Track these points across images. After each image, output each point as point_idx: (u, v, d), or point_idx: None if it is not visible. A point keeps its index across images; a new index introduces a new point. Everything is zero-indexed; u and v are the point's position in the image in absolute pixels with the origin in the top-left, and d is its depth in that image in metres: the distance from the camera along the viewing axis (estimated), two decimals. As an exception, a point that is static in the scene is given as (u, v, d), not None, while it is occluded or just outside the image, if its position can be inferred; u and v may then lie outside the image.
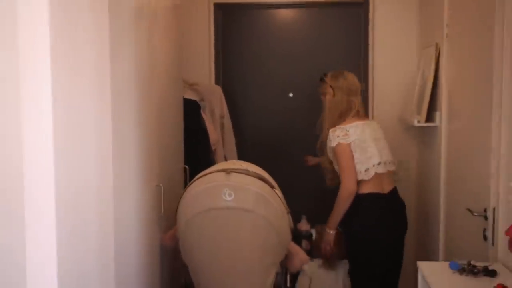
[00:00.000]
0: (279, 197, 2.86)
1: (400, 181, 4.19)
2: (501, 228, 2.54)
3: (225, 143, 4.13)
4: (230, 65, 4.57)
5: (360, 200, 3.34)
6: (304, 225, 3.45)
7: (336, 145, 3.34)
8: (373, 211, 3.39)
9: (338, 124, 3.39)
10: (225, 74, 4.52)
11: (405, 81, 4.09)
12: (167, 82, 3.20)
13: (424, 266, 2.52)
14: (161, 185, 2.89)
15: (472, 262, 2.42)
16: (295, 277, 3.36)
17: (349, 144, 3.33)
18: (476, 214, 2.68)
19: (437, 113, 3.51)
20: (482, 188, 2.71)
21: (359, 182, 3.34)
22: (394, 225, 3.46)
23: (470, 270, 2.38)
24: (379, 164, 3.37)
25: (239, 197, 2.73)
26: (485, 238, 2.66)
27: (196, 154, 3.63)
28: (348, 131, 3.34)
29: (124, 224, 2.43)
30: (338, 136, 3.34)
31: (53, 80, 1.57)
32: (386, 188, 3.45)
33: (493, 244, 2.60)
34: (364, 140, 3.36)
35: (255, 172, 2.86)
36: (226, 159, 4.09)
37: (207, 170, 2.89)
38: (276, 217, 2.81)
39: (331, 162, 3.50)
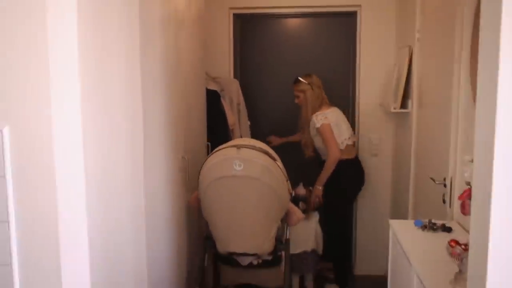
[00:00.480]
0: (280, 167, 2.81)
1: (380, 155, 4.14)
2: (457, 193, 2.47)
3: (241, 125, 4.08)
4: (246, 63, 4.50)
5: (338, 165, 3.64)
6: (301, 190, 3.41)
7: (321, 125, 3.62)
8: (347, 172, 3.73)
9: (318, 111, 3.67)
10: (241, 70, 4.44)
11: (384, 75, 4.00)
12: (192, 75, 3.15)
13: (394, 224, 2.47)
14: (185, 157, 2.86)
15: (433, 221, 2.36)
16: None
17: (329, 124, 3.63)
18: (437, 182, 2.61)
19: (409, 101, 3.42)
20: (442, 161, 2.64)
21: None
22: (359, 180, 3.91)
23: (431, 227, 2.32)
24: (348, 138, 3.72)
25: (247, 167, 2.70)
26: (444, 201, 2.59)
27: (217, 133, 3.59)
28: (327, 116, 3.65)
29: (154, 186, 2.40)
30: (321, 119, 3.63)
31: (85, 69, 1.50)
32: (352, 155, 3.81)
33: (450, 206, 2.54)
34: (338, 121, 3.69)
35: (260, 148, 2.82)
36: (241, 137, 4.05)
37: (222, 146, 2.85)
38: (277, 184, 2.77)
39: (312, 141, 3.79)
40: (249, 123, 4.22)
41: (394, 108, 3.54)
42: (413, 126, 3.34)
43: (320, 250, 3.82)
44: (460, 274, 1.56)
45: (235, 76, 4.28)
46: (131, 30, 2.06)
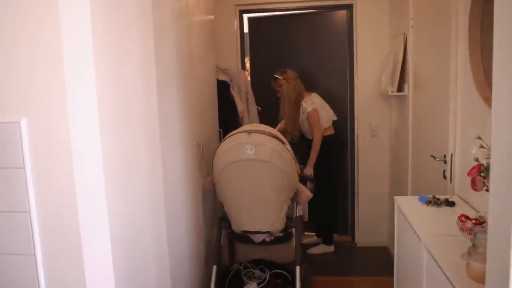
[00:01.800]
0: (288, 150, 2.66)
1: (379, 136, 3.98)
2: (457, 169, 2.32)
3: (250, 112, 3.92)
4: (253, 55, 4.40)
5: (327, 140, 3.79)
6: (308, 170, 3.25)
7: (311, 110, 3.72)
8: (334, 145, 3.88)
9: (299, 99, 3.76)
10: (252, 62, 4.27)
11: (380, 61, 3.81)
12: (203, 67, 2.98)
13: (399, 200, 2.30)
14: (200, 143, 2.70)
15: (436, 196, 2.20)
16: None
17: (316, 108, 3.73)
18: (438, 159, 2.44)
19: (406, 85, 3.24)
20: (442, 139, 2.47)
21: (325, 129, 3.79)
22: (342, 151, 4.06)
23: (435, 202, 2.16)
24: (332, 115, 3.84)
25: (258, 151, 2.54)
26: (444, 177, 2.43)
27: (227, 121, 3.43)
28: (314, 100, 3.76)
29: (172, 172, 2.26)
30: (309, 105, 3.73)
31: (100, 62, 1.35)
32: (334, 130, 3.88)
33: (451, 181, 2.37)
34: (322, 103, 3.80)
35: (270, 132, 2.66)
36: (251, 123, 3.89)
37: (233, 132, 2.69)
38: (287, 166, 2.62)
39: (298, 126, 3.83)
40: (259, 108, 4.05)
41: (392, 92, 3.36)
42: (409, 107, 3.17)
43: (306, 217, 3.68)
44: (474, 248, 1.40)
45: (242, 67, 4.11)
46: (145, 23, 1.91)
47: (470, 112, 2.17)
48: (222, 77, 3.58)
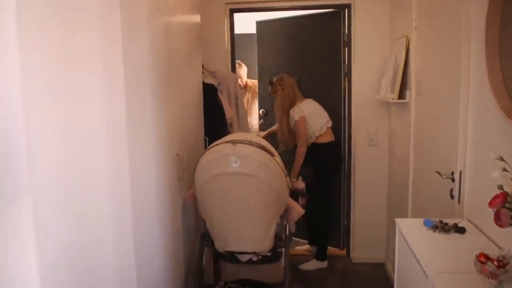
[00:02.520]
0: (278, 163, 2.36)
1: (377, 145, 3.68)
2: (467, 189, 2.02)
3: (240, 118, 3.63)
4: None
5: (321, 147, 3.60)
6: (300, 184, 2.95)
7: (298, 118, 3.52)
8: (330, 153, 3.67)
9: (292, 107, 3.57)
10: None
11: (379, 66, 3.51)
12: (186, 69, 2.69)
13: (401, 223, 1.99)
14: (180, 154, 2.40)
15: (444, 220, 1.90)
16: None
17: (304, 117, 3.52)
18: (444, 176, 2.15)
19: (407, 92, 2.94)
20: (449, 154, 2.18)
21: (317, 137, 3.57)
22: (339, 160, 3.81)
23: (442, 227, 1.85)
24: (327, 121, 3.59)
25: (244, 164, 2.25)
26: (452, 197, 2.13)
27: (214, 127, 3.13)
28: (302, 108, 3.55)
29: (145, 186, 1.96)
30: (297, 113, 3.53)
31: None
32: (332, 138, 3.65)
33: (459, 202, 2.08)
34: (313, 111, 3.57)
35: (257, 143, 2.37)
36: (240, 131, 3.59)
37: (217, 141, 2.40)
38: (275, 180, 2.33)
39: (289, 132, 3.62)
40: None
41: (392, 99, 3.06)
42: (411, 117, 2.86)
43: (293, 228, 3.28)
44: (500, 300, 1.11)
45: (233, 71, 3.80)
46: (110, 23, 1.61)
47: (485, 125, 1.87)
48: (210, 80, 3.28)
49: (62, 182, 1.37)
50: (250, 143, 2.31)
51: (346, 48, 3.65)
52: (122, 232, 1.74)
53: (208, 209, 2.42)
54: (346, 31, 3.63)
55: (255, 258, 2.59)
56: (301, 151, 3.51)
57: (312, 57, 4.03)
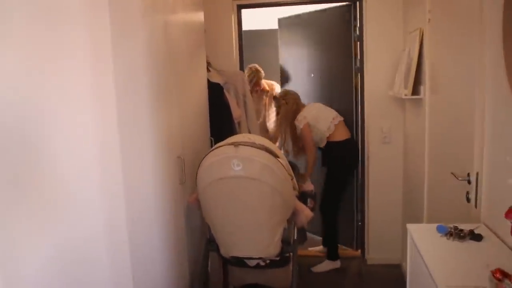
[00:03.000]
0: (282, 165, 2.24)
1: (391, 143, 3.52)
2: (485, 191, 1.87)
3: (248, 117, 3.50)
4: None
5: (334, 146, 3.51)
6: (308, 186, 2.83)
7: (302, 126, 3.49)
8: (344, 151, 3.55)
9: (295, 118, 3.55)
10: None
11: (392, 60, 3.34)
12: (188, 68, 2.59)
13: (412, 229, 1.86)
14: (181, 156, 2.30)
15: (459, 226, 1.76)
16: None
17: (307, 123, 3.48)
18: (460, 178, 2.00)
19: (421, 87, 2.78)
20: (465, 154, 2.02)
21: (330, 136, 3.48)
22: (355, 158, 3.63)
23: (457, 234, 1.71)
24: (333, 119, 3.48)
25: (247, 167, 2.14)
26: (468, 200, 1.98)
27: (221, 128, 3.02)
28: (305, 115, 3.52)
29: (143, 192, 1.87)
30: (301, 121, 3.50)
31: None
32: (346, 135, 3.53)
33: (476, 206, 1.92)
34: (317, 113, 3.53)
35: (261, 144, 2.25)
36: (249, 131, 3.48)
37: (219, 143, 2.29)
38: (280, 183, 2.20)
39: (297, 143, 3.62)
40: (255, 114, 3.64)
41: (405, 95, 2.90)
42: (426, 113, 2.70)
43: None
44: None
45: (241, 69, 3.69)
46: (97, 22, 1.52)
47: (503, 124, 1.71)
48: (216, 79, 3.17)
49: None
50: (253, 145, 2.19)
51: (358, 42, 3.49)
52: (116, 241, 1.65)
53: (211, 213, 2.32)
54: (358, 25, 3.47)
55: (262, 263, 2.47)
56: (311, 159, 3.49)
57: (324, 53, 3.89)
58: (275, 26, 4.41)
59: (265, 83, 4.37)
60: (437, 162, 2.55)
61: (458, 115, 2.20)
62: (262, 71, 4.24)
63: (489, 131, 1.82)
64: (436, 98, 2.59)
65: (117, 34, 1.61)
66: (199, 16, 2.88)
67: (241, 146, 2.17)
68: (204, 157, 2.26)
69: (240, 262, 2.47)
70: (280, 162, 2.22)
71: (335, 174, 3.57)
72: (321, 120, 3.48)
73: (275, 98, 3.71)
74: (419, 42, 2.76)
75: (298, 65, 4.21)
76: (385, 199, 3.58)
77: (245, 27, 3.72)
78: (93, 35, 1.51)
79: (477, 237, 1.68)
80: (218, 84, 3.07)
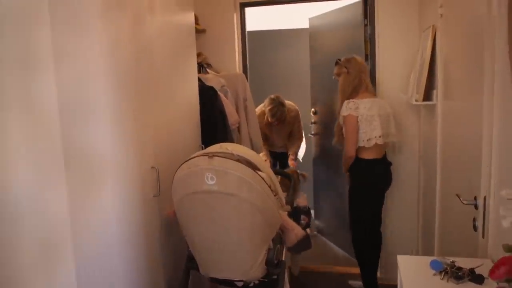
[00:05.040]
0: (263, 179, 1.96)
1: (405, 152, 3.17)
2: (492, 219, 1.52)
3: (249, 122, 3.23)
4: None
5: (362, 164, 2.83)
6: (302, 201, 2.53)
7: (347, 115, 2.80)
8: (370, 173, 2.87)
9: (352, 98, 2.82)
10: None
11: (408, 62, 2.99)
12: (172, 71, 2.35)
13: (402, 262, 1.55)
14: (156, 167, 2.07)
15: (457, 263, 1.43)
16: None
17: (356, 117, 2.77)
18: (465, 202, 1.66)
19: (434, 92, 2.43)
20: (472, 175, 1.68)
21: (361, 148, 2.80)
22: (383, 182, 2.95)
23: (454, 273, 1.38)
24: (380, 136, 2.77)
25: (221, 181, 1.88)
26: (474, 228, 1.64)
27: (213, 134, 2.76)
28: (359, 106, 2.77)
29: (95, 207, 1.63)
30: (350, 108, 2.78)
31: None
32: (381, 154, 2.87)
33: (483, 236, 1.58)
34: (371, 115, 2.77)
35: (239, 155, 1.99)
36: (250, 138, 3.22)
37: (195, 154, 2.03)
38: (260, 199, 1.93)
39: (341, 128, 2.93)
40: (257, 119, 3.36)
41: (416, 100, 2.56)
42: (438, 122, 2.36)
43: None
44: None
45: (244, 71, 3.42)
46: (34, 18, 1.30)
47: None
48: (212, 82, 2.92)
49: None
50: (229, 156, 1.93)
51: (369, 43, 3.15)
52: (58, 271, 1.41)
53: (187, 229, 2.07)
54: (369, 23, 3.13)
55: (251, 284, 2.21)
56: (348, 155, 2.82)
57: (334, 54, 3.58)
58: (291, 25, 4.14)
59: (288, 105, 3.80)
60: (448, 180, 2.20)
61: (467, 125, 1.86)
62: (286, 104, 3.72)
63: (498, 148, 1.48)
64: (450, 105, 2.24)
65: (65, 33, 1.39)
66: (187, 16, 2.63)
67: (215, 157, 1.91)
68: (178, 168, 2.02)
69: (226, 281, 2.22)
70: (260, 176, 1.94)
71: (358, 192, 2.93)
72: (367, 126, 2.76)
73: (337, 62, 2.98)
74: (431, 40, 2.41)
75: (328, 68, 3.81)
76: (401, 215, 3.23)
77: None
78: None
79: (478, 279, 1.35)
80: (212, 88, 2.81)
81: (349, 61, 2.92)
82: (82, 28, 1.54)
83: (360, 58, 2.95)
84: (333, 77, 3.04)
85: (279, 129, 3.83)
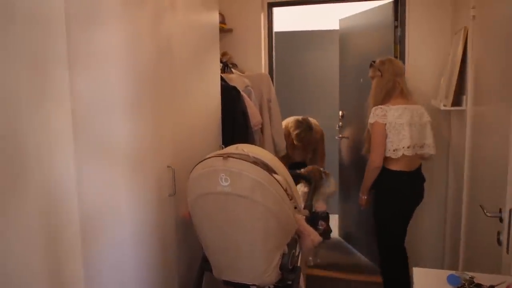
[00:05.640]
0: (278, 182, 1.91)
1: (436, 160, 3.03)
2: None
3: (273, 124, 3.18)
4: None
5: (387, 175, 2.59)
6: (320, 206, 2.45)
7: (374, 122, 2.57)
8: (395, 185, 2.61)
9: (384, 103, 2.58)
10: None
11: (438, 66, 2.87)
12: (193, 73, 2.34)
13: (419, 274, 1.46)
14: (172, 166, 2.05)
15: (476, 279, 1.34)
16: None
17: (384, 124, 2.53)
18: (489, 214, 1.56)
19: (464, 97, 2.32)
20: (499, 186, 1.58)
21: (387, 159, 2.57)
22: (410, 197, 2.65)
23: (472, 290, 1.30)
24: (408, 147, 2.51)
25: (235, 182, 1.84)
26: (499, 242, 1.53)
27: (234, 135, 2.73)
28: (387, 113, 2.53)
29: (107, 205, 1.62)
30: (377, 115, 2.55)
31: None
32: (411, 166, 2.59)
33: (507, 251, 1.48)
34: (401, 123, 2.52)
35: (255, 157, 1.94)
36: (273, 139, 3.17)
37: (210, 154, 2.00)
38: (275, 204, 1.88)
39: (370, 136, 2.65)
40: (281, 121, 3.29)
41: (444, 106, 2.44)
42: (467, 129, 2.24)
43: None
44: None
45: (270, 72, 3.38)
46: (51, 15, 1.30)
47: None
48: (237, 82, 2.89)
49: None
50: (245, 158, 1.89)
51: (399, 45, 3.05)
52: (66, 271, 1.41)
53: (201, 231, 2.04)
54: (399, 25, 3.03)
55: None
56: (372, 166, 2.60)
57: (364, 56, 3.48)
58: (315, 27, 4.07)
59: (314, 125, 3.55)
60: (477, 190, 2.09)
61: (499, 132, 1.75)
62: (313, 126, 3.52)
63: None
64: (479, 111, 2.12)
65: (81, 31, 1.39)
66: (211, 15, 2.61)
67: (230, 158, 1.87)
68: (193, 168, 2.00)
69: (241, 286, 2.18)
70: (276, 179, 1.89)
71: (382, 205, 2.72)
72: (395, 135, 2.53)
73: (371, 64, 2.76)
74: (462, 42, 2.30)
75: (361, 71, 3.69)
76: (428, 226, 3.11)
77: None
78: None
79: (498, 298, 1.26)
80: (234, 88, 2.79)
81: (383, 63, 2.68)
82: (99, 25, 1.53)
83: (397, 60, 2.73)
84: (369, 79, 2.81)
85: (302, 150, 3.61)
